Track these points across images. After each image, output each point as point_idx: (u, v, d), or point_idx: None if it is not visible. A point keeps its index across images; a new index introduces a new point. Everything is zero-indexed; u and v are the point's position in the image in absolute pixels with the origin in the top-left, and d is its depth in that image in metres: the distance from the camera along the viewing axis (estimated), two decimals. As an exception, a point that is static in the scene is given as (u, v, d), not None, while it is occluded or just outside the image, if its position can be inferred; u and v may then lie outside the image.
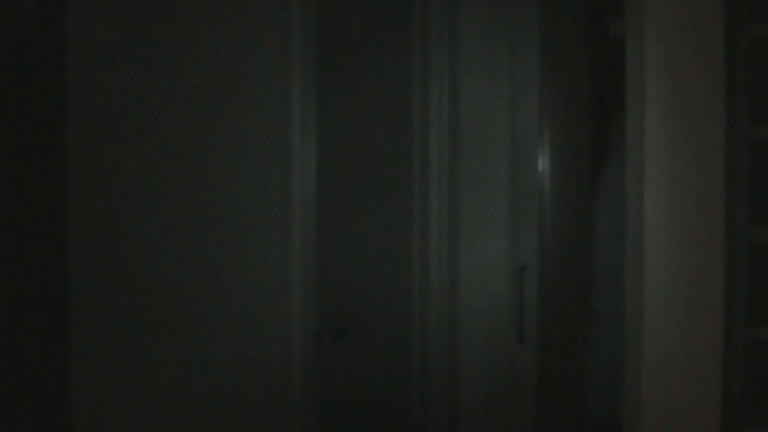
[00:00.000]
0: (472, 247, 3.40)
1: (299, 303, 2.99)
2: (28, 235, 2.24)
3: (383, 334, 3.36)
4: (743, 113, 2.10)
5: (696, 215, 1.95)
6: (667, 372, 1.95)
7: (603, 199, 4.34)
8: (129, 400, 2.47)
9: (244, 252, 2.82)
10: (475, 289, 3.40)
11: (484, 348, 3.40)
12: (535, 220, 3.38)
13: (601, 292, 4.33)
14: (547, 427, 3.45)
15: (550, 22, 3.54)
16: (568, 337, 3.69)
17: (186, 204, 2.63)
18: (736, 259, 2.10)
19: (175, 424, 2.60)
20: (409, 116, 3.57)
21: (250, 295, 2.86)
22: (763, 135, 2.17)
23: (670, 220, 1.95)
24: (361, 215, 3.37)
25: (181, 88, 2.59)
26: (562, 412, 3.61)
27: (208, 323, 2.71)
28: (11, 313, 2.21)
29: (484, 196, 3.40)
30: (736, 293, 2.10)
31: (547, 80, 3.46)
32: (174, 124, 2.58)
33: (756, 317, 2.17)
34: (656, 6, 1.93)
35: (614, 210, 4.24)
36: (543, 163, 3.43)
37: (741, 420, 2.08)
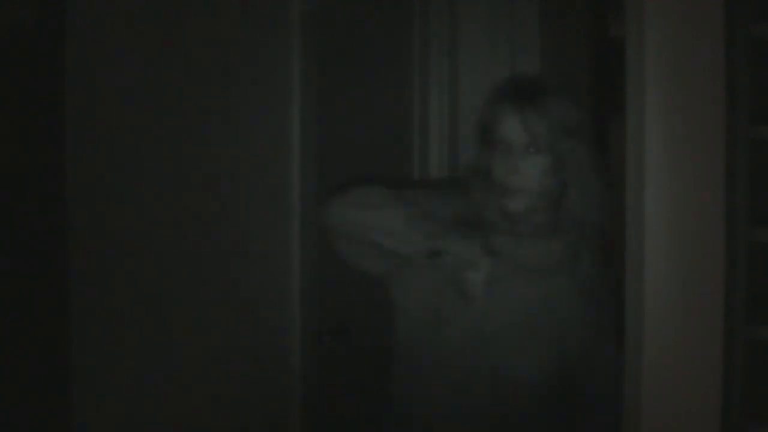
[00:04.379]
0: (472, 246, 3.38)
1: (299, 303, 3.00)
2: (28, 235, 2.24)
3: (383, 333, 3.36)
4: (743, 113, 2.10)
5: (696, 215, 1.95)
6: (667, 372, 1.95)
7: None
8: (128, 400, 2.47)
9: (244, 252, 2.82)
10: (475, 289, 3.38)
11: (484, 348, 3.38)
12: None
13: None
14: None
15: (550, 23, 3.54)
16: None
17: (185, 203, 2.63)
18: (736, 259, 2.09)
19: (174, 424, 2.60)
20: (409, 115, 3.57)
21: (250, 296, 2.86)
22: (763, 135, 2.17)
23: (670, 220, 1.94)
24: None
25: (181, 87, 2.59)
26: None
27: (208, 323, 2.71)
28: (11, 313, 2.21)
29: (484, 195, 3.39)
30: (736, 293, 2.09)
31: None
32: (174, 123, 2.58)
33: (756, 317, 2.17)
34: (656, 6, 1.93)
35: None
36: (543, 162, 3.42)
37: (741, 420, 2.08)
